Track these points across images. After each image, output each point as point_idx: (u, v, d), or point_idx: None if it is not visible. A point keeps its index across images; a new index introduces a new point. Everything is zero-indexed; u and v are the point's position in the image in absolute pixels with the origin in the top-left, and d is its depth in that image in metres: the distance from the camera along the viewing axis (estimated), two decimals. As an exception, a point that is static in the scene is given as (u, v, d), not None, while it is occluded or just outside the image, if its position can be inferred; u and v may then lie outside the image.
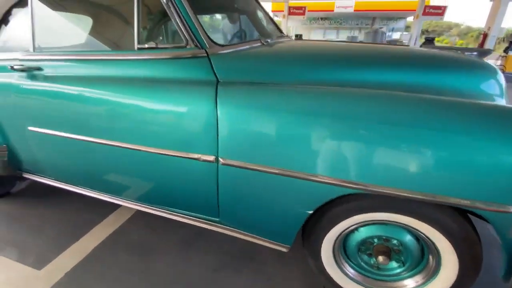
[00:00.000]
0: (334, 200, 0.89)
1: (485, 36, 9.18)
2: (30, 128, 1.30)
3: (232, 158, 0.95)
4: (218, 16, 1.34)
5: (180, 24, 1.02)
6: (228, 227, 1.15)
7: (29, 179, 1.66)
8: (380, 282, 1.06)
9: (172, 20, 1.03)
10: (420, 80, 0.99)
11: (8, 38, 1.43)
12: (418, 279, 1.00)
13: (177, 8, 1.02)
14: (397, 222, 0.91)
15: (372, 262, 1.05)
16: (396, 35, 21.31)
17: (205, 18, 1.39)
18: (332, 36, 24.89)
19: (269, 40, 1.29)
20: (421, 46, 12.62)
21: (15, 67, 1.26)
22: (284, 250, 1.09)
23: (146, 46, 1.08)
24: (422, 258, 0.99)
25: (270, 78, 0.99)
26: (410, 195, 0.78)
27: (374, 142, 0.78)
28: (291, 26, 21.61)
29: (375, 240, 1.00)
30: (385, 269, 1.05)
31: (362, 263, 1.07)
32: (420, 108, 0.79)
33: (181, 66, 1.04)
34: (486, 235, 1.12)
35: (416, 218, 0.86)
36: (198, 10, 1.08)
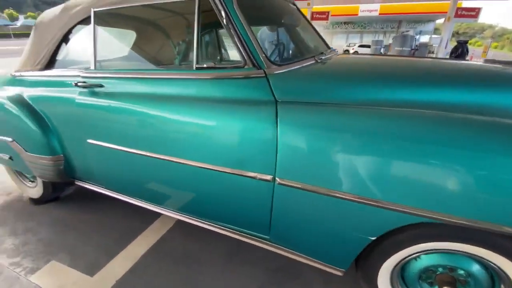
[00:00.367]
0: (401, 227, 0.86)
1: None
2: (89, 140, 1.38)
3: (290, 178, 0.95)
4: (269, 33, 1.35)
5: (239, 45, 1.04)
6: (278, 246, 1.14)
7: (78, 185, 1.75)
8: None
9: (231, 40, 1.05)
10: (494, 100, 0.93)
11: (71, 54, 1.54)
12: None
13: (237, 30, 1.04)
14: (466, 252, 0.86)
15: (433, 291, 0.99)
16: (424, 38, 20.48)
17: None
18: (355, 40, 24.40)
19: (322, 57, 1.28)
20: (452, 49, 12.04)
21: (78, 84, 1.35)
22: (338, 274, 1.06)
23: (205, 65, 1.11)
24: None
25: (329, 97, 0.98)
26: (492, 228, 0.73)
27: (453, 170, 0.74)
28: (313, 31, 21.39)
29: (439, 269, 0.95)
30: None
31: (422, 292, 1.01)
32: (504, 134, 0.74)
33: (239, 85, 1.06)
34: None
35: (491, 250, 0.80)
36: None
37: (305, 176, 0.92)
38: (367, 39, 23.80)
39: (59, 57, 1.54)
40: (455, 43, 12.32)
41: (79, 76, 1.39)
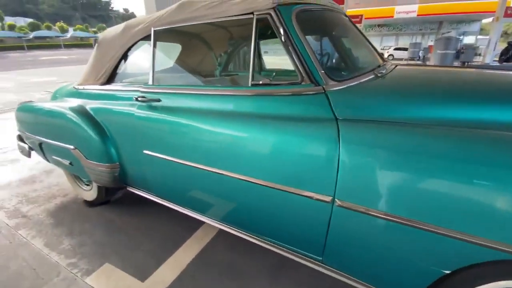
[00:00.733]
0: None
1: None
2: (145, 151, 1.45)
3: (352, 201, 0.91)
4: (325, 47, 1.33)
5: (296, 61, 1.03)
6: (331, 268, 1.10)
7: (128, 190, 1.85)
8: None
9: (289, 57, 1.05)
10: None
11: (128, 70, 1.64)
12: None
13: (295, 46, 1.03)
14: None
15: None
16: (468, 40, 19.00)
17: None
18: (390, 43, 23.36)
19: (383, 71, 1.22)
20: (503, 51, 11.02)
21: (138, 98, 1.44)
22: (401, 303, 0.99)
23: (261, 82, 1.11)
24: None
25: (396, 116, 0.92)
26: None
27: None
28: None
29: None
30: None
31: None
32: None
33: (296, 102, 1.04)
34: None
35: None
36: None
37: (369, 199, 0.87)
38: (403, 42, 22.65)
39: (118, 72, 1.66)
40: (506, 45, 11.29)
41: (138, 91, 1.48)
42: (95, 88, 1.74)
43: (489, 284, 0.81)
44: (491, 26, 12.84)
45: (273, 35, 1.15)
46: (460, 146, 0.77)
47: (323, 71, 1.02)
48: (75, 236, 1.81)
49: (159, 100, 1.38)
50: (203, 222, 1.84)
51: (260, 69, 2.63)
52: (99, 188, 1.99)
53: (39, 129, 1.96)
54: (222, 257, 1.58)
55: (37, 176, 2.69)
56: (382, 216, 0.86)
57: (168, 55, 2.22)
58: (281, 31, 1.05)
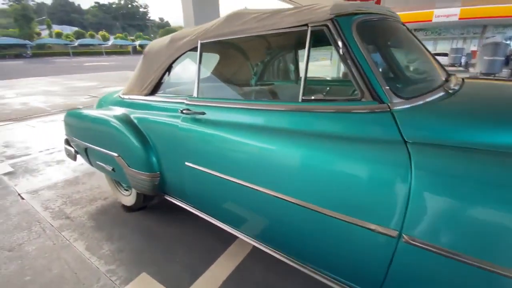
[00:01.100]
0: None
1: None
2: (187, 163, 1.44)
3: (422, 238, 0.79)
4: (387, 60, 1.22)
5: (356, 75, 0.94)
6: None
7: (164, 198, 1.86)
8: None
9: (347, 70, 0.96)
10: None
11: (173, 79, 1.65)
12: None
13: (355, 59, 0.94)
14: None
15: None
16: (518, 44, 17.36)
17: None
18: (428, 47, 22.07)
19: (454, 87, 1.09)
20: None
21: (184, 111, 1.43)
22: None
23: (313, 98, 1.04)
24: None
25: (478, 141, 0.80)
26: None
27: None
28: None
29: None
30: None
31: None
32: None
33: (355, 121, 0.95)
34: None
35: None
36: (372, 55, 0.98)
37: (444, 238, 0.75)
38: (442, 47, 21.33)
39: (163, 83, 1.68)
40: None
41: (183, 103, 1.48)
42: (140, 98, 1.78)
43: None
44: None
45: (318, 43, 1.07)
46: None
47: (387, 87, 0.92)
48: (114, 241, 1.85)
49: (203, 113, 1.37)
50: (237, 237, 1.79)
51: (297, 78, 2.56)
52: (138, 194, 2.03)
53: (86, 135, 2.05)
54: (259, 278, 1.51)
55: (80, 178, 2.83)
56: (458, 258, 0.74)
57: (207, 64, 2.23)
58: (340, 43, 0.97)
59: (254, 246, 1.73)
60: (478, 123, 0.86)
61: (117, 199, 2.34)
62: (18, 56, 36.97)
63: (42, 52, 41.16)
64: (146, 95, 1.73)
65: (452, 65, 14.65)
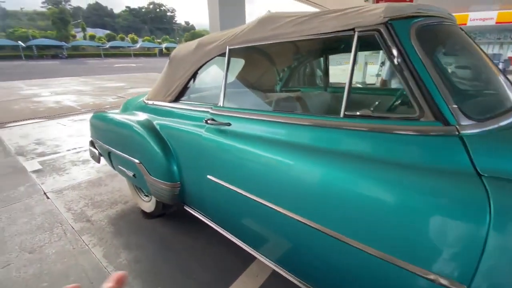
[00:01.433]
0: None
1: None
2: (209, 176, 1.34)
3: None
4: (451, 73, 1.04)
5: (414, 89, 0.79)
6: None
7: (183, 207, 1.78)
8: None
9: (403, 83, 0.81)
10: None
11: (198, 85, 1.57)
12: None
13: (413, 70, 0.79)
14: None
15: None
16: None
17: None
18: (461, 54, 20.78)
19: None
20: None
21: (209, 121, 1.34)
22: None
23: (358, 113, 0.90)
24: None
25: None
26: None
27: None
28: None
29: None
30: None
31: None
32: None
33: (412, 144, 0.80)
34: None
35: None
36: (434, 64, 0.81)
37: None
38: (478, 53, 19.97)
39: (188, 89, 1.61)
40: None
41: (208, 112, 1.39)
42: (164, 105, 1.72)
43: None
44: None
45: (348, 48, 0.93)
46: None
47: (455, 106, 0.75)
48: (132, 250, 1.79)
49: (229, 124, 1.26)
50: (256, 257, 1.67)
51: (326, 85, 2.40)
52: (157, 201, 1.97)
53: (109, 139, 2.03)
54: (282, 305, 1.37)
55: (103, 180, 2.85)
56: None
57: (232, 70, 2.14)
58: (395, 51, 0.82)
59: (274, 270, 1.61)
60: None
61: (137, 204, 2.31)
62: (54, 57, 39.51)
63: (77, 53, 43.74)
64: (170, 101, 1.67)
65: (489, 72, 13.62)
